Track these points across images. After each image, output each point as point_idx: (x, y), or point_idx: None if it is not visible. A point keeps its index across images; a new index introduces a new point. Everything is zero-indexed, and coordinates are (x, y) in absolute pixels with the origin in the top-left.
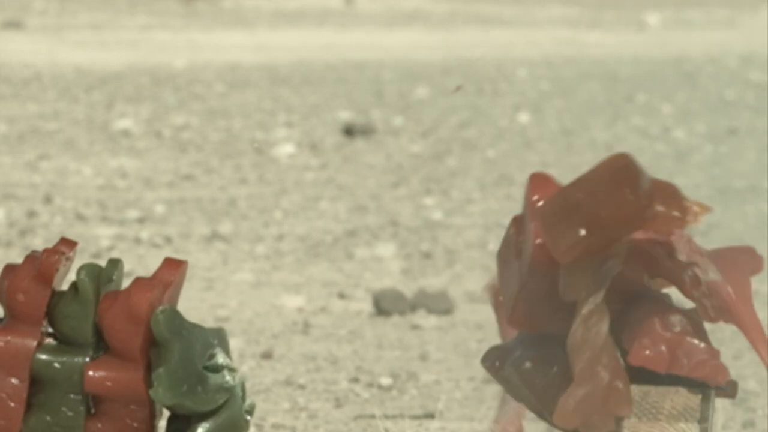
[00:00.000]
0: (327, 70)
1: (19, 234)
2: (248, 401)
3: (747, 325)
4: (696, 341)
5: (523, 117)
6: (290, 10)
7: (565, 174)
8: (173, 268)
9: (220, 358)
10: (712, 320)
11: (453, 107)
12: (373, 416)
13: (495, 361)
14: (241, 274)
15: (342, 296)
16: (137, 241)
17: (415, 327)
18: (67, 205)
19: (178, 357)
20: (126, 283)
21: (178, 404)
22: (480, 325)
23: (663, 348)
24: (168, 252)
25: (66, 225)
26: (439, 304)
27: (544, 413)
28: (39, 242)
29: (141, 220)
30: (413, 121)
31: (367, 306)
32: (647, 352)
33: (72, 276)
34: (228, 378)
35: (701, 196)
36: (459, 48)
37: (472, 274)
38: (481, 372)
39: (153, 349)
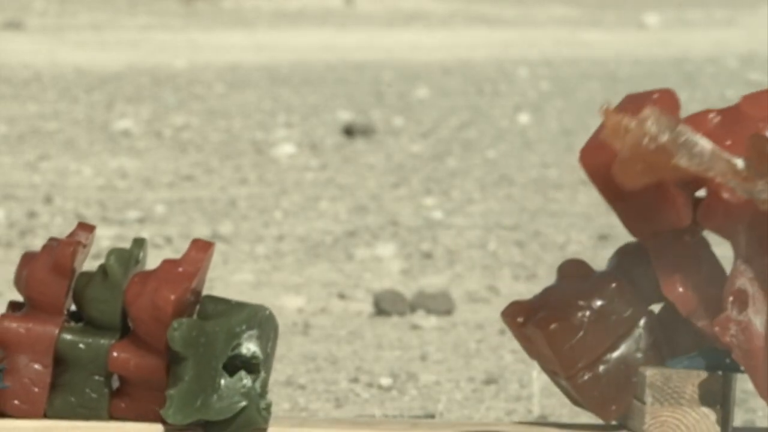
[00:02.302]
0: (327, 70)
1: (19, 234)
2: (265, 400)
3: (761, 389)
4: (720, 302)
5: (523, 117)
6: (290, 10)
7: (565, 174)
8: (202, 251)
9: (244, 348)
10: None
11: (453, 107)
12: (373, 416)
13: (517, 317)
14: (241, 275)
15: (342, 296)
16: None
17: (415, 327)
18: (67, 206)
19: (192, 373)
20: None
21: (193, 421)
22: (480, 325)
23: (694, 293)
24: (168, 252)
25: (66, 225)
26: (439, 304)
27: (559, 377)
28: (39, 242)
29: (141, 221)
30: (413, 121)
31: (367, 306)
32: (680, 289)
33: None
34: (245, 381)
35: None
36: (459, 48)
37: (472, 275)
38: (481, 372)
39: (171, 357)
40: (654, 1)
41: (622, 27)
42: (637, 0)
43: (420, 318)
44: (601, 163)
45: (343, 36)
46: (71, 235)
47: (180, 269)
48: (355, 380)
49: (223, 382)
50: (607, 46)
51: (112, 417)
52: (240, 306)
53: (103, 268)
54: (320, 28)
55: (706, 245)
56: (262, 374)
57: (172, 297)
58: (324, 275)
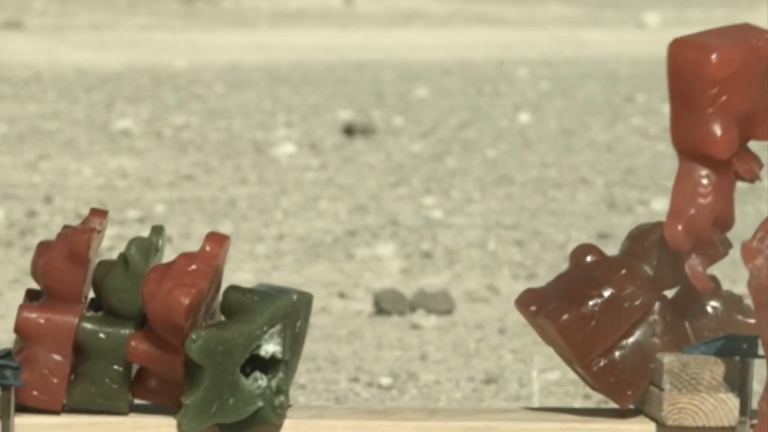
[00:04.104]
0: (327, 70)
1: (19, 234)
2: (279, 398)
3: (762, 331)
4: (712, 249)
5: (523, 117)
6: (290, 10)
7: (565, 173)
8: (218, 245)
9: (263, 351)
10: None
11: (453, 107)
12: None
13: (530, 306)
14: (241, 274)
15: (342, 296)
16: None
17: (415, 327)
18: (67, 205)
19: (208, 382)
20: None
21: (209, 426)
22: (480, 325)
23: (691, 234)
24: (168, 252)
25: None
26: (439, 304)
27: (575, 364)
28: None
29: (141, 220)
30: (413, 121)
31: (367, 306)
32: (679, 228)
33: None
34: (261, 381)
35: None
36: (459, 48)
37: (472, 274)
38: (480, 372)
39: (188, 362)
40: (654, 0)
41: (622, 26)
42: None
43: (420, 317)
44: (686, 60)
45: (343, 36)
46: (85, 221)
47: (194, 267)
48: (355, 380)
49: (239, 384)
50: (606, 45)
51: (133, 398)
52: (264, 301)
53: (123, 258)
54: (320, 28)
55: (730, 189)
56: (280, 374)
57: (186, 302)
58: (324, 275)
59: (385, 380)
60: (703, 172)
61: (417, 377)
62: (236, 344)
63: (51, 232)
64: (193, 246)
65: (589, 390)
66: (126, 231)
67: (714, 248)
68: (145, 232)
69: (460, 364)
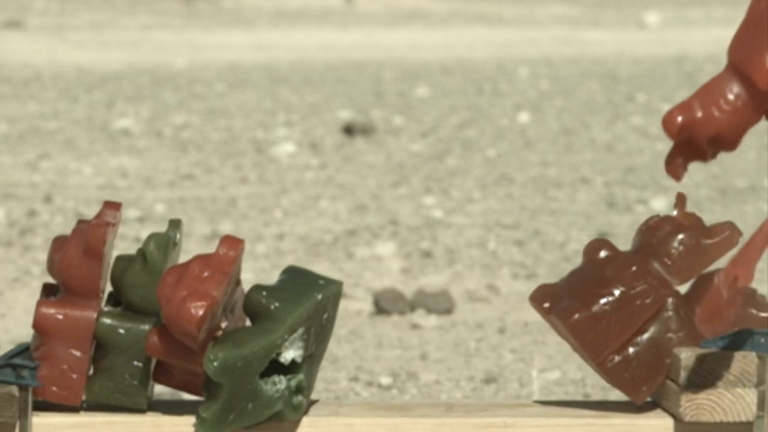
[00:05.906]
0: (327, 69)
1: (19, 234)
2: (297, 398)
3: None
4: (699, 154)
5: (523, 116)
6: (290, 10)
7: (565, 172)
8: (232, 249)
9: (282, 358)
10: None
11: (453, 107)
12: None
13: (543, 303)
14: (241, 274)
15: (342, 296)
16: (138, 240)
17: (415, 326)
18: (68, 205)
19: (226, 396)
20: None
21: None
22: (480, 324)
23: (684, 131)
24: None
25: (66, 224)
26: (439, 303)
27: (590, 362)
28: (39, 241)
29: (141, 220)
30: (413, 120)
31: (367, 305)
32: (679, 119)
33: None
34: (279, 385)
35: (701, 195)
36: (459, 47)
37: (472, 274)
38: (480, 371)
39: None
40: (654, 0)
41: (622, 26)
42: None
43: (420, 317)
44: None
45: (343, 35)
46: (99, 216)
47: (207, 274)
48: (355, 379)
49: (258, 390)
50: (607, 45)
51: (155, 384)
52: (286, 309)
53: (142, 254)
54: (320, 27)
55: (750, 121)
56: (300, 375)
57: (198, 314)
58: (324, 274)
59: (385, 380)
60: (736, 89)
61: (417, 377)
62: (255, 357)
63: (51, 232)
64: (193, 245)
65: (588, 390)
66: (126, 230)
67: (701, 155)
68: (146, 232)
69: (460, 363)
